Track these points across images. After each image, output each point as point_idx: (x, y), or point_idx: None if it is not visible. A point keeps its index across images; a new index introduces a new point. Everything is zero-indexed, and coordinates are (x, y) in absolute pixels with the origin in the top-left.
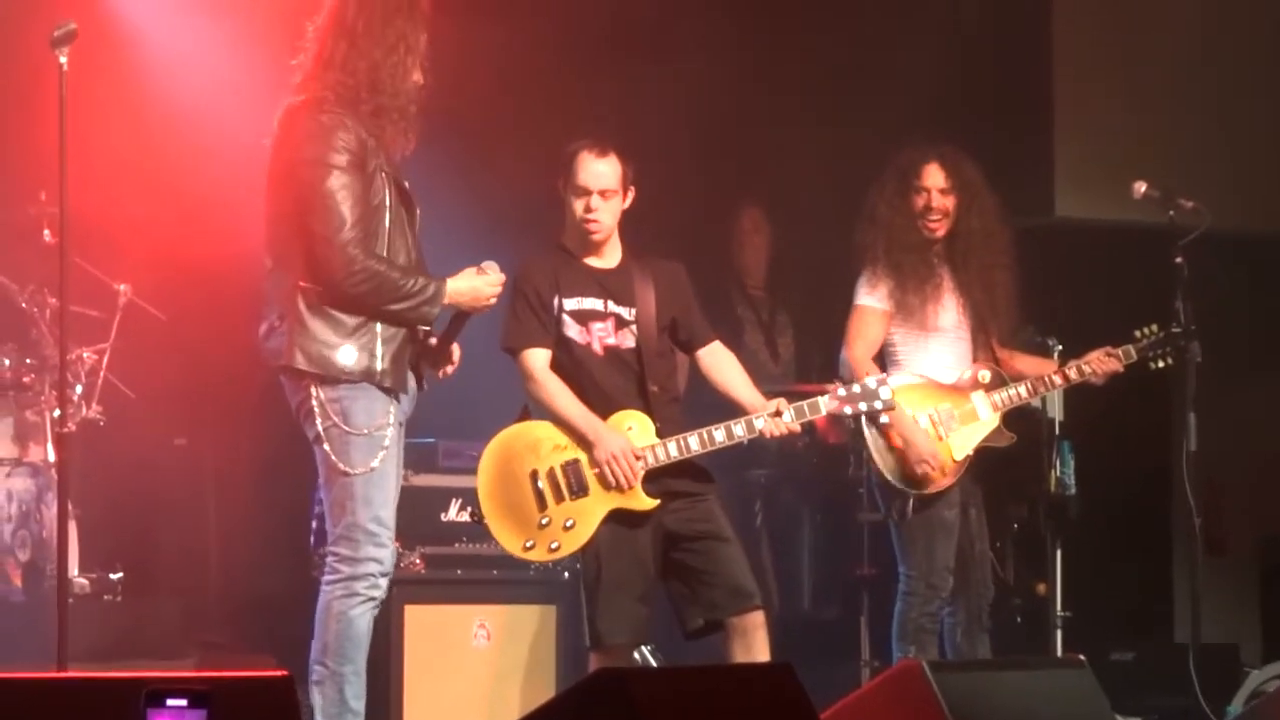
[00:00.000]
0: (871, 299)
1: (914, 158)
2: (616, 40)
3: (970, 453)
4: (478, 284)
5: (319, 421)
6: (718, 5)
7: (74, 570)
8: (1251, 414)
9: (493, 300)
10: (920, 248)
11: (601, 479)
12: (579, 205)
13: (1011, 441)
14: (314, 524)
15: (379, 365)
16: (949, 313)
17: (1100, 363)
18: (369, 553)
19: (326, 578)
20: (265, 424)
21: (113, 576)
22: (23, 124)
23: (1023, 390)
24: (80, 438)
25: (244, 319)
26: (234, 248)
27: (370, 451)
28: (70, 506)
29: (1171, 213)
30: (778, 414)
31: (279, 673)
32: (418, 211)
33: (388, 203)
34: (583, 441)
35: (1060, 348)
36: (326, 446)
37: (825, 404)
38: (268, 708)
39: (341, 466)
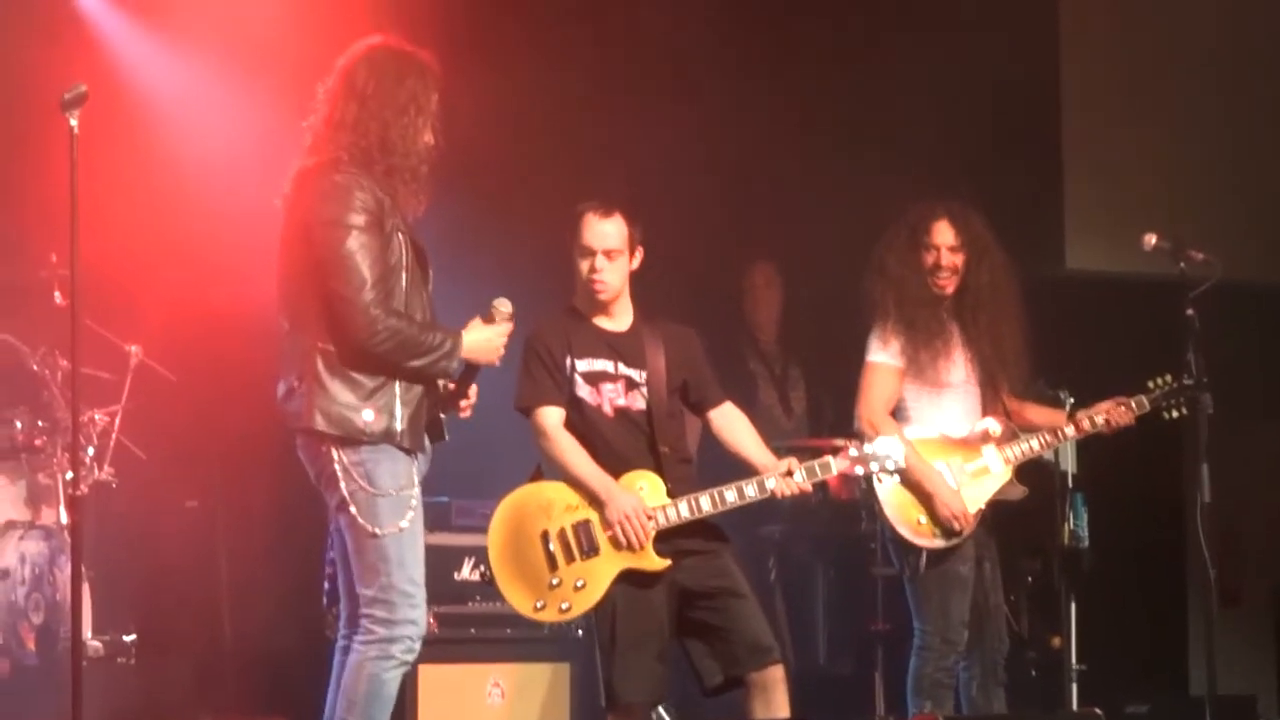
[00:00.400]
0: (884, 355)
1: (924, 214)
2: (628, 98)
3: (983, 506)
4: (488, 334)
5: (343, 485)
6: (727, 62)
7: (87, 633)
8: (1266, 464)
9: (502, 349)
10: (930, 303)
11: (613, 539)
12: (584, 265)
13: (1024, 495)
14: (326, 585)
15: (398, 426)
16: (959, 368)
17: (1112, 413)
18: (405, 614)
19: (360, 638)
20: (277, 485)
21: (126, 639)
22: (34, 187)
23: (1034, 443)
24: (92, 500)
25: (255, 380)
26: (244, 309)
27: (398, 512)
28: (83, 569)
29: (1182, 264)
30: (789, 473)
31: None
32: (431, 270)
33: (404, 262)
34: (594, 501)
35: (1072, 400)
36: (354, 509)
37: (836, 464)
38: None
39: (370, 529)
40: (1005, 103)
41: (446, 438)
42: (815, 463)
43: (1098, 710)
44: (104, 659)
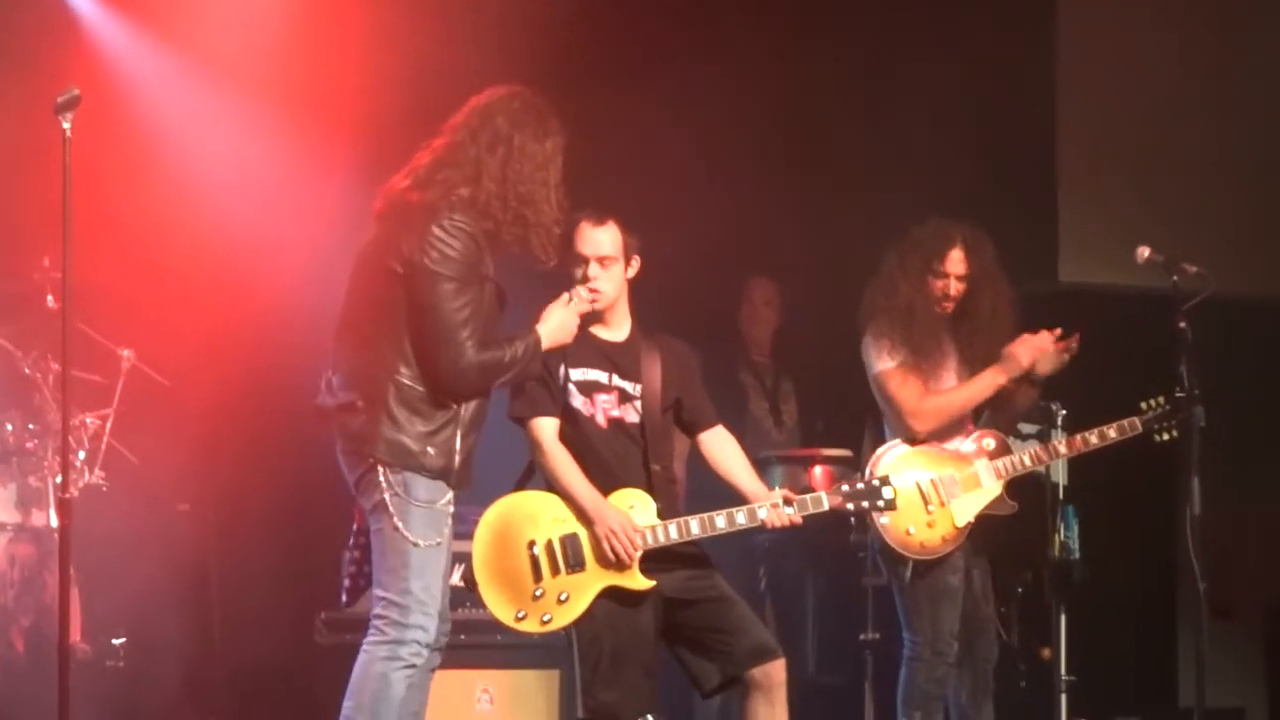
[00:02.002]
0: (886, 363)
1: (940, 241)
2: (626, 112)
3: (972, 519)
4: (560, 316)
5: (383, 491)
6: (730, 79)
7: (76, 636)
8: (1258, 478)
9: (576, 325)
10: (933, 323)
11: (600, 554)
12: (578, 274)
13: (1013, 510)
14: (346, 581)
15: (455, 465)
16: (950, 381)
17: (1104, 436)
18: (417, 620)
19: (371, 638)
20: (268, 490)
21: (115, 642)
22: (27, 190)
23: (1026, 459)
24: (83, 503)
25: (247, 384)
26: (238, 313)
27: (432, 525)
28: (73, 572)
29: (1175, 278)
30: (783, 503)
31: None
32: (506, 307)
33: (487, 310)
34: (583, 516)
35: (1064, 413)
36: (390, 514)
37: (828, 500)
38: None
39: (402, 531)
40: (1001, 117)
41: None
42: (808, 497)
43: None
44: (92, 662)
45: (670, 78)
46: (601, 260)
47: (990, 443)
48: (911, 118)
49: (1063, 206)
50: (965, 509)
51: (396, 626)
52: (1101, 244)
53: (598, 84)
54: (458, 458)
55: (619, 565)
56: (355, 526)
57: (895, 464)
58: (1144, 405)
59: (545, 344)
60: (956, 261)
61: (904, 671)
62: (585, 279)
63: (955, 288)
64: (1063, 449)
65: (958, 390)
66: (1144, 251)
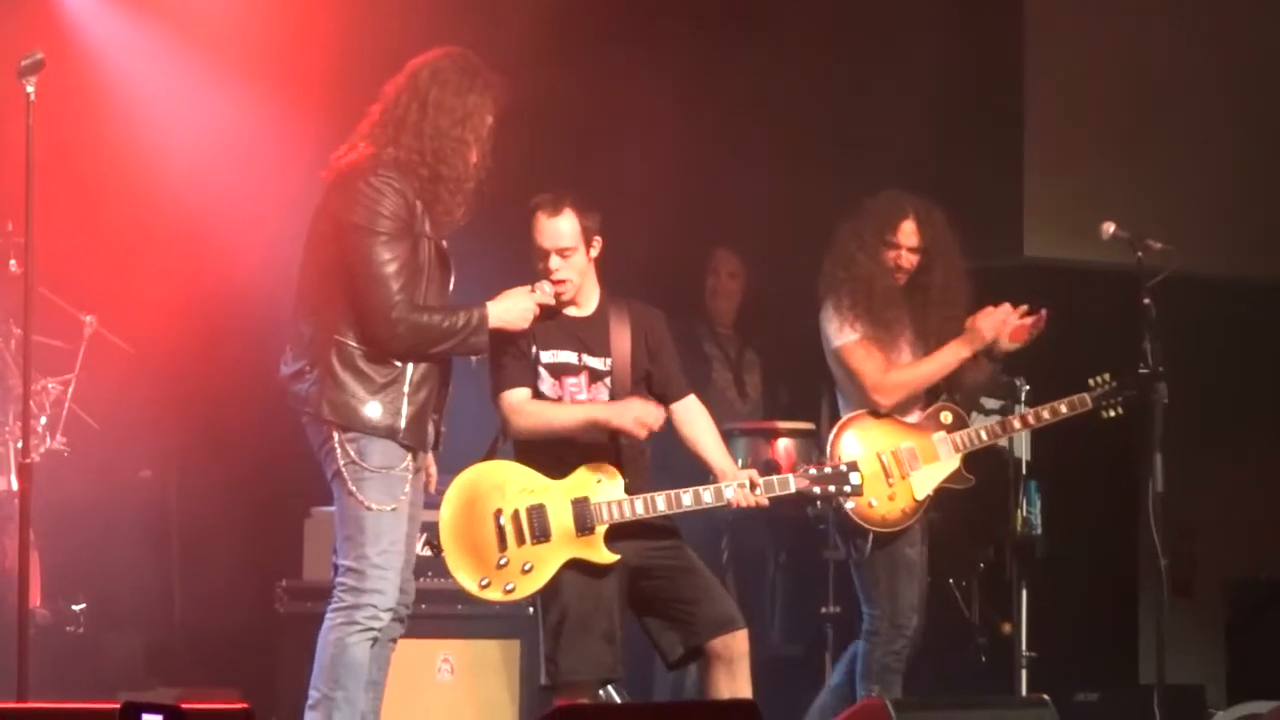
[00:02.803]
0: (847, 336)
1: (893, 212)
2: (592, 83)
3: (931, 492)
4: (516, 297)
5: (339, 458)
6: (696, 47)
7: (36, 601)
8: (1221, 456)
9: (531, 315)
10: (888, 295)
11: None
12: (541, 267)
13: (970, 484)
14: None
15: (401, 423)
16: (905, 354)
17: (1056, 412)
18: (373, 585)
19: (331, 606)
20: (231, 457)
21: (75, 608)
22: None
23: (983, 433)
24: (44, 468)
25: (210, 351)
26: (202, 280)
27: (387, 491)
28: (32, 537)
29: (1140, 254)
30: (750, 486)
31: (239, 706)
32: (452, 274)
33: (427, 267)
34: (596, 430)
35: (1028, 388)
36: (345, 481)
37: (795, 482)
38: None
39: (358, 497)
40: (966, 91)
41: (440, 448)
42: (775, 479)
43: (1046, 697)
44: (52, 627)
45: (638, 49)
46: (561, 252)
47: (947, 416)
48: (878, 91)
49: (1028, 181)
50: (924, 482)
51: (353, 592)
52: (1067, 219)
53: (568, 54)
54: (404, 417)
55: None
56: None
57: (855, 436)
58: (1092, 382)
59: (493, 323)
60: (909, 233)
61: (862, 645)
62: (548, 272)
63: (908, 259)
64: (1017, 424)
65: (922, 364)
66: (1109, 227)
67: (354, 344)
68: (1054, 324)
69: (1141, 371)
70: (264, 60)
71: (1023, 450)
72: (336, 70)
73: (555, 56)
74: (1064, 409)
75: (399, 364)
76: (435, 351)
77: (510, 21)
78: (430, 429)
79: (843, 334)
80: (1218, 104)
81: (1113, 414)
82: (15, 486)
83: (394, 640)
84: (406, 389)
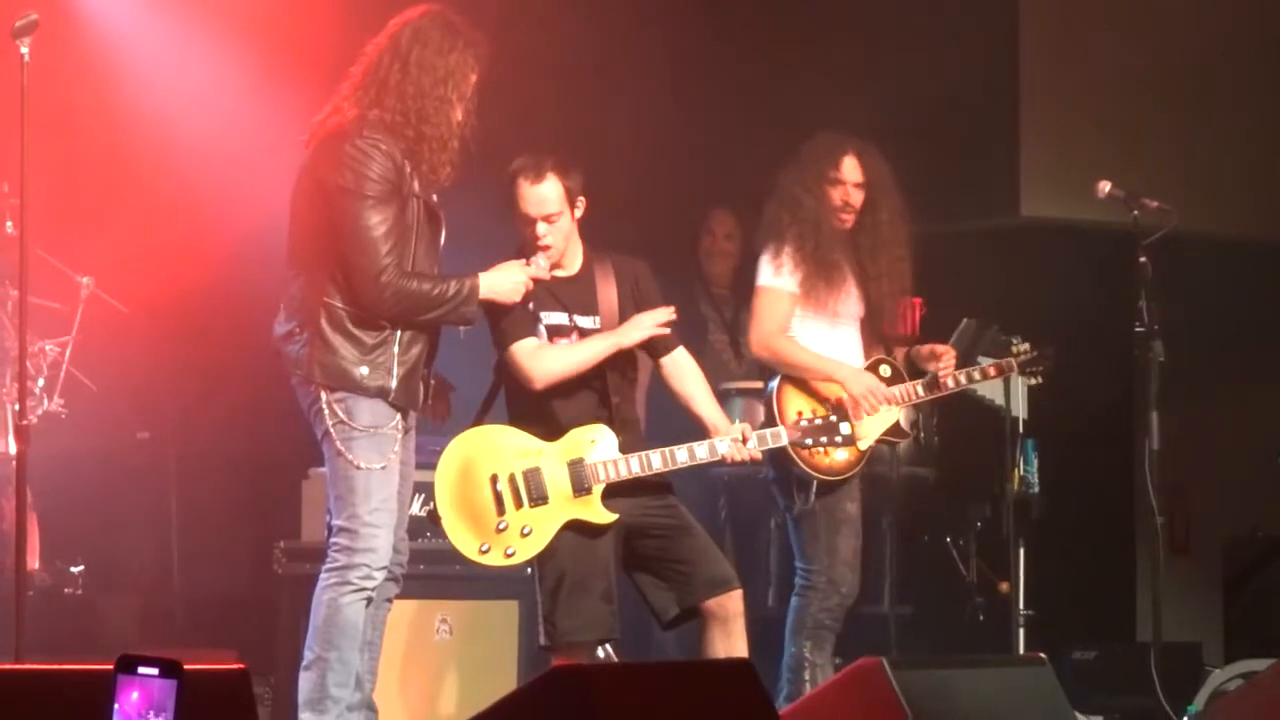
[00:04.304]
0: (776, 280)
1: (832, 148)
2: (585, 41)
3: (873, 443)
4: (509, 270)
5: (327, 419)
6: (685, 9)
7: (34, 563)
8: (1218, 414)
9: (523, 288)
10: (831, 236)
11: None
12: (526, 234)
13: (909, 438)
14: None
15: (392, 384)
16: (851, 302)
17: (985, 374)
18: (365, 544)
19: (325, 566)
20: (228, 419)
21: (73, 570)
22: None
23: (920, 388)
24: (41, 430)
25: (208, 313)
26: (198, 241)
27: (377, 450)
28: (30, 499)
29: (1136, 212)
30: (743, 440)
31: (235, 666)
32: (443, 231)
33: (415, 227)
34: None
35: (1025, 346)
36: (334, 440)
37: (786, 434)
38: (223, 700)
39: (347, 456)
40: (962, 50)
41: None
42: (767, 432)
43: (1043, 655)
44: (50, 589)
45: (631, 7)
46: (547, 218)
47: (886, 370)
48: (873, 50)
49: (1025, 140)
50: (867, 432)
51: (346, 552)
52: (1063, 178)
53: (562, 11)
54: (395, 377)
55: (585, 493)
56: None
57: (798, 386)
58: (1014, 349)
59: (484, 294)
60: (852, 168)
61: (796, 601)
62: (534, 238)
63: (854, 196)
64: (950, 383)
65: (803, 354)
66: (1105, 186)
67: (342, 306)
68: (1050, 283)
69: (1138, 330)
70: (264, 21)
71: (1019, 408)
72: (337, 32)
73: (550, 14)
74: (992, 371)
75: (386, 325)
76: (423, 319)
77: None
78: (420, 387)
79: (763, 274)
80: (1216, 62)
81: (1034, 381)
82: (13, 449)
83: (389, 600)
84: (396, 349)
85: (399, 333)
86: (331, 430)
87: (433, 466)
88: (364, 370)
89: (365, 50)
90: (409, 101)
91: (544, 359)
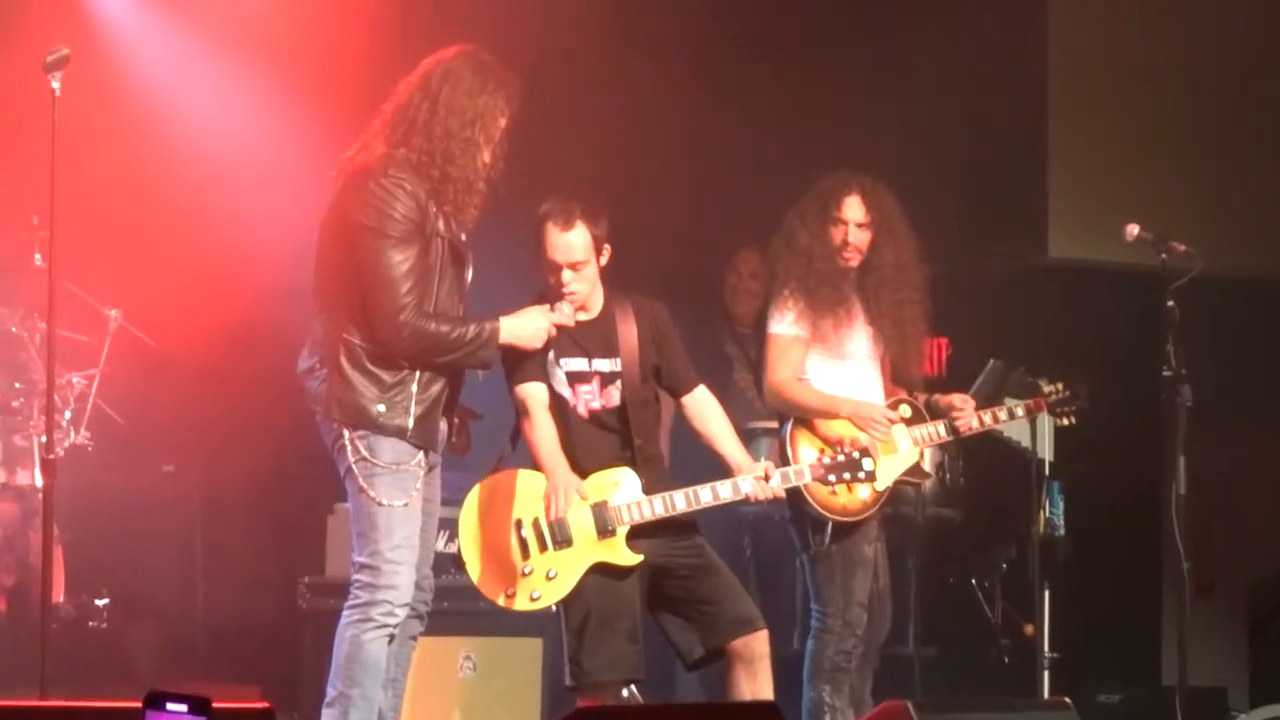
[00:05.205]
0: (783, 326)
1: (836, 188)
2: (612, 83)
3: (890, 484)
4: (531, 316)
5: (349, 455)
6: (712, 49)
7: (59, 596)
8: (1244, 457)
9: (545, 334)
10: (834, 275)
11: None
12: (552, 280)
13: (929, 479)
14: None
15: (409, 423)
16: (861, 340)
17: (1013, 414)
18: (388, 580)
19: (347, 603)
20: (254, 452)
21: (98, 603)
22: (15, 148)
23: (941, 429)
24: (68, 463)
25: (234, 347)
26: (226, 275)
27: (399, 487)
28: (56, 532)
29: (1164, 255)
30: (765, 478)
31: (261, 704)
32: (469, 269)
33: (439, 267)
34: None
35: (1058, 385)
36: (356, 477)
37: (810, 472)
38: None
39: (370, 493)
40: (992, 91)
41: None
42: (790, 469)
43: (1067, 699)
44: (75, 622)
45: (658, 45)
46: (574, 265)
47: (906, 410)
48: (904, 91)
49: (1054, 182)
50: (884, 474)
51: (368, 589)
52: (1091, 220)
53: (590, 51)
54: (411, 417)
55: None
56: None
57: (817, 426)
58: (1046, 389)
59: (504, 338)
60: (854, 207)
61: (812, 644)
62: (560, 285)
63: (856, 235)
64: (974, 424)
65: (810, 396)
66: (1133, 229)
67: (361, 343)
68: (1078, 324)
69: (1165, 374)
70: (293, 59)
71: (1046, 450)
72: (366, 69)
73: (578, 55)
74: (1020, 412)
75: (406, 365)
76: (440, 360)
77: (530, 20)
78: (443, 426)
79: (772, 322)
80: (1244, 105)
81: (1066, 422)
82: (39, 482)
83: (414, 638)
84: (415, 389)
85: (418, 372)
86: (354, 466)
87: (458, 503)
88: (381, 408)
89: (398, 88)
90: (436, 142)
91: (535, 418)
